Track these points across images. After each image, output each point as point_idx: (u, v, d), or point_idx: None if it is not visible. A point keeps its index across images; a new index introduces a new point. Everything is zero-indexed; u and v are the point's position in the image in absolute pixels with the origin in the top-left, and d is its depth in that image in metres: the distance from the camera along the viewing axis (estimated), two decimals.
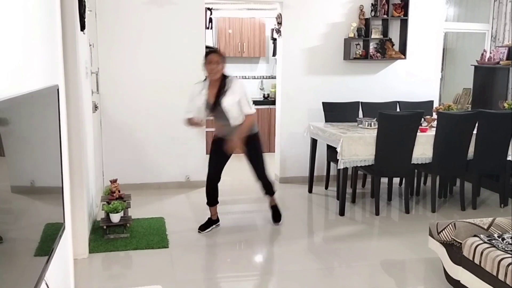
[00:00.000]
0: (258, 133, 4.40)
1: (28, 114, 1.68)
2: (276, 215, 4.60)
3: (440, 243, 3.28)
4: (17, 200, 1.57)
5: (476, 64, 6.24)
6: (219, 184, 4.38)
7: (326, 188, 5.73)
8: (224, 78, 4.12)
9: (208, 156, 4.45)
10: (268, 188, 4.53)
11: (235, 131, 4.16)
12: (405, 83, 6.24)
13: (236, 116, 4.14)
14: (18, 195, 1.58)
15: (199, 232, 4.33)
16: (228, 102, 4.08)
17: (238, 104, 4.10)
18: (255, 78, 8.02)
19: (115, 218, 4.11)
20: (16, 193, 1.54)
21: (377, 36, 6.06)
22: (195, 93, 4.21)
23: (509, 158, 4.99)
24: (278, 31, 5.99)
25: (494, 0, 6.63)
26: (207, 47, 6.37)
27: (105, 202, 4.25)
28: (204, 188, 4.40)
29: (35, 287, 1.63)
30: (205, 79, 4.24)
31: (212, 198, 4.44)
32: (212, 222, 4.44)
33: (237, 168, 5.13)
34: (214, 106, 4.13)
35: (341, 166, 4.67)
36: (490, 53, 6.19)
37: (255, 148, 4.35)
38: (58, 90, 2.19)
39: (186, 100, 4.23)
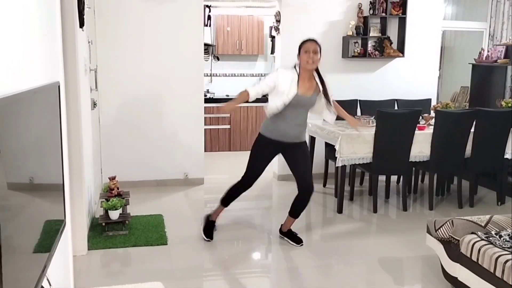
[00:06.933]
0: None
1: (30, 110, 1.69)
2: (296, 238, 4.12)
3: (438, 240, 3.30)
4: (20, 197, 1.57)
5: (474, 62, 6.27)
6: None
7: (324, 185, 5.75)
8: (317, 70, 3.82)
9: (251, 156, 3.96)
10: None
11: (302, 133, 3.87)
12: (403, 81, 6.26)
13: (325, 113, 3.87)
14: (21, 192, 1.59)
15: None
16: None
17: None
18: (253, 75, 8.02)
19: (114, 215, 4.12)
20: (19, 191, 1.54)
21: (376, 34, 6.07)
22: (279, 79, 3.71)
23: (506, 156, 5.02)
24: (277, 29, 5.99)
25: None
26: (205, 44, 6.38)
27: (103, 199, 4.25)
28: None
29: (38, 282, 1.64)
30: (294, 67, 3.83)
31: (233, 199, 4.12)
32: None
33: (235, 165, 5.14)
34: (306, 100, 3.76)
35: (339, 164, 4.69)
36: (488, 51, 6.22)
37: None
38: (59, 87, 2.20)
39: (257, 81, 3.90)
